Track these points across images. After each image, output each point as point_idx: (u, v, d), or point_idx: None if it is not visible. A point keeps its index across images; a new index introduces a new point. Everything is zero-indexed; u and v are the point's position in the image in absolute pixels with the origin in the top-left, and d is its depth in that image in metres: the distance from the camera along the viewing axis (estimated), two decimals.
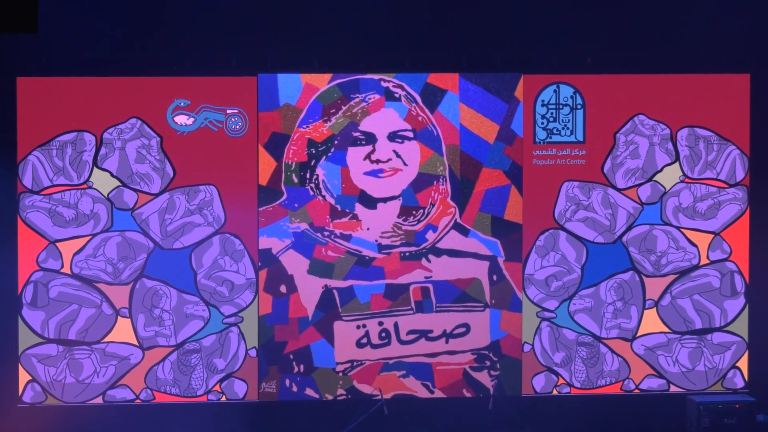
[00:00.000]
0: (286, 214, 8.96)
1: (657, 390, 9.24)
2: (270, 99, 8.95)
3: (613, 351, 9.21)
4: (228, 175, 8.94)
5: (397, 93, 9.00)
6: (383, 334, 9.04)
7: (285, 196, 8.97)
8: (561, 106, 9.13)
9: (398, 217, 9.02)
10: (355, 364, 9.05)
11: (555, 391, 9.18)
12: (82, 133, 8.84)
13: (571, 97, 9.12)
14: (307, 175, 8.97)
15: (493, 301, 9.11)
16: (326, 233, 8.99)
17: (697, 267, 9.23)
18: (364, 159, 8.98)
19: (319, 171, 8.97)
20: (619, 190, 9.18)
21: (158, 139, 8.88)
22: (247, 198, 8.94)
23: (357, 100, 8.98)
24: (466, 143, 9.06)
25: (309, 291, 9.01)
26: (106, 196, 8.88)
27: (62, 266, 8.85)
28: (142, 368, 8.94)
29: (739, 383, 9.29)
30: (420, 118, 9.03)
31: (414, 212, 9.04)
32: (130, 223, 8.89)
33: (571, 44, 9.08)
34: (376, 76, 8.99)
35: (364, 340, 9.03)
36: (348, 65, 8.96)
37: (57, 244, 8.85)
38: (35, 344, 8.86)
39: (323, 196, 8.98)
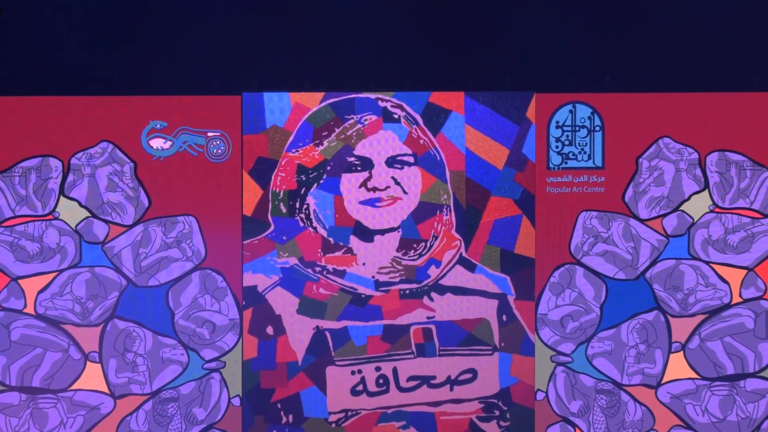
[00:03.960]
0: (274, 247, 8.67)
1: None
2: (256, 120, 8.67)
3: (635, 399, 8.84)
4: (209, 205, 8.65)
5: (396, 114, 8.70)
6: (381, 381, 8.74)
7: (272, 228, 8.67)
8: (577, 128, 8.82)
9: (397, 250, 8.73)
10: (349, 413, 8.75)
11: None
12: (48, 158, 8.55)
13: (589, 118, 8.81)
14: (297, 205, 8.67)
15: (503, 344, 8.78)
16: (318, 269, 8.69)
17: (728, 306, 8.86)
18: (360, 187, 8.70)
19: (309, 200, 8.68)
20: (642, 220, 8.82)
21: (132, 164, 8.60)
22: (230, 230, 8.66)
23: (352, 121, 8.68)
24: (473, 169, 8.75)
25: (299, 333, 8.70)
26: (73, 228, 8.58)
27: (25, 306, 8.55)
28: (113, 419, 8.62)
29: None
30: (421, 142, 8.72)
31: (415, 245, 8.73)
32: (101, 257, 8.60)
33: (589, 60, 8.81)
34: (372, 95, 8.69)
35: (360, 388, 8.73)
36: (342, 83, 8.72)
37: (19, 281, 8.55)
38: None
39: (314, 228, 8.68)
